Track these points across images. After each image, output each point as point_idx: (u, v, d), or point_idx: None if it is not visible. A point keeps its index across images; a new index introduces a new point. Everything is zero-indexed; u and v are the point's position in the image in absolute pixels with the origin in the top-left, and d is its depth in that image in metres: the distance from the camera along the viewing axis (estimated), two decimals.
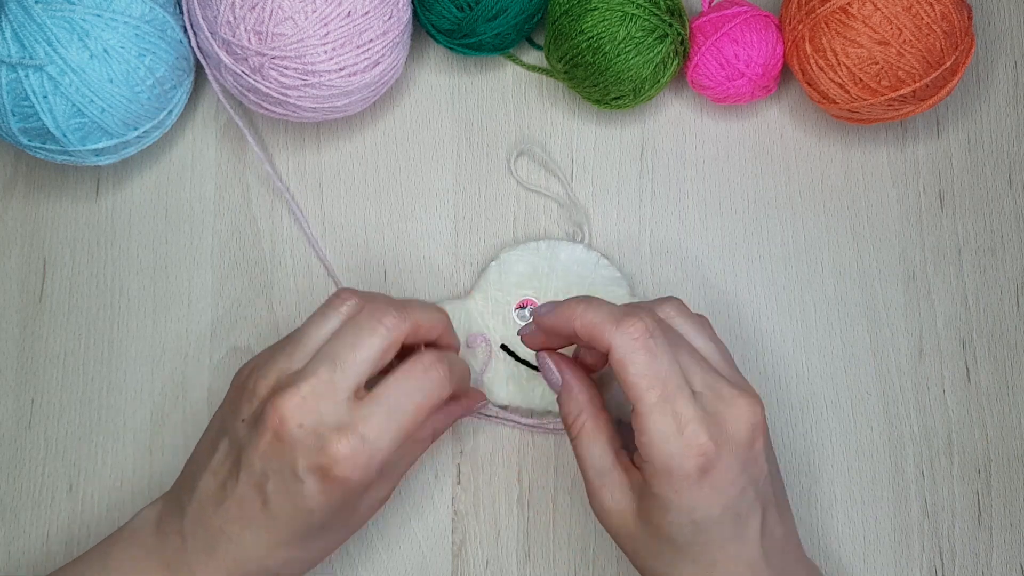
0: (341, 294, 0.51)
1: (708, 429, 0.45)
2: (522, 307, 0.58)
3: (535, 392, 0.58)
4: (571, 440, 0.50)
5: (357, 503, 0.50)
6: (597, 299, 0.49)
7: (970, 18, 0.56)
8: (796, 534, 0.51)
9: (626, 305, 0.49)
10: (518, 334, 0.54)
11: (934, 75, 0.55)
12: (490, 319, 0.58)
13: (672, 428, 0.45)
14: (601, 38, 0.56)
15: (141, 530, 0.51)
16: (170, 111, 0.59)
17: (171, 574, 0.49)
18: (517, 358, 0.58)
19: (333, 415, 0.47)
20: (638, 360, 0.46)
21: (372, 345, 0.48)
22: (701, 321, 0.51)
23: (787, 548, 0.49)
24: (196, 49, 0.58)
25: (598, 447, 0.49)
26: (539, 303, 0.55)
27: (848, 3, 0.55)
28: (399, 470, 0.52)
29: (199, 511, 0.49)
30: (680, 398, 0.45)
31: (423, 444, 0.53)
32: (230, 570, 0.49)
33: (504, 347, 0.58)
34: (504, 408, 0.58)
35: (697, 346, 0.49)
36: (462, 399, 0.55)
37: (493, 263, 0.59)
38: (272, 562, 0.49)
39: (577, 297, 0.49)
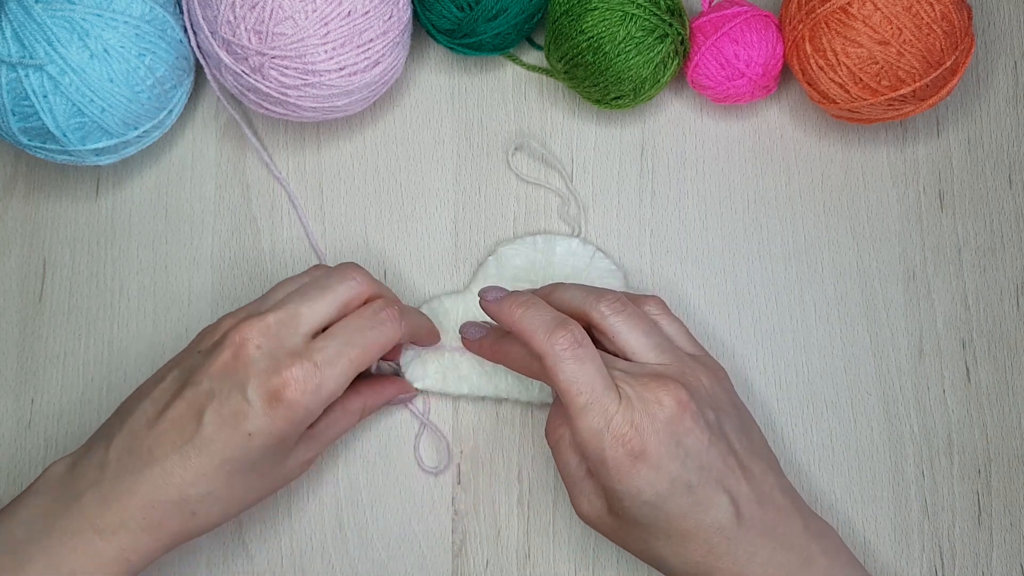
0: (318, 265, 0.56)
1: (632, 418, 0.48)
2: None
3: (534, 384, 0.58)
4: (551, 451, 0.52)
5: (288, 452, 0.51)
6: (536, 302, 0.51)
7: (970, 18, 0.56)
8: (779, 488, 0.50)
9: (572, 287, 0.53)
10: (459, 332, 0.56)
11: (934, 75, 0.55)
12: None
13: (601, 424, 0.48)
14: (601, 38, 0.56)
15: (50, 479, 0.50)
16: (170, 111, 0.59)
17: (80, 508, 0.48)
18: None
19: (291, 344, 0.50)
20: (567, 368, 0.49)
21: (340, 292, 0.52)
22: (654, 301, 0.54)
23: (765, 505, 0.49)
24: (196, 49, 0.58)
25: (575, 458, 0.51)
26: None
27: (848, 3, 0.55)
28: (327, 436, 0.54)
29: (128, 436, 0.49)
30: (606, 397, 0.48)
31: (353, 416, 0.55)
32: (147, 496, 0.48)
33: None
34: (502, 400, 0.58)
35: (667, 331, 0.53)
36: (397, 382, 0.57)
37: (491, 258, 0.59)
38: (193, 491, 0.49)
39: (518, 297, 0.51)
